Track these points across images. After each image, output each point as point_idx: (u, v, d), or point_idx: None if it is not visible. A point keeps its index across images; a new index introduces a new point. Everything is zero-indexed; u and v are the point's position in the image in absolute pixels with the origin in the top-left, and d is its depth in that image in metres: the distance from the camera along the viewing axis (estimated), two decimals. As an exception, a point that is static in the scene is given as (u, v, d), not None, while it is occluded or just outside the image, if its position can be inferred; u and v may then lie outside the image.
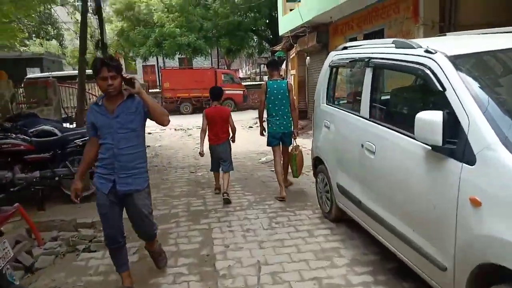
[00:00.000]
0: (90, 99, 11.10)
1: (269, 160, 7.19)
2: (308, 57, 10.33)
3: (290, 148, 5.03)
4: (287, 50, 13.60)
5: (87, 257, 3.40)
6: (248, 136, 8.83)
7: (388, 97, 3.21)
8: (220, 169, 4.96)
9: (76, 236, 3.74)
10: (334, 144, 3.65)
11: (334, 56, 3.85)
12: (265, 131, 5.04)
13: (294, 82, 10.04)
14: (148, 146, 9.69)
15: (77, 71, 16.08)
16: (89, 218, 4.22)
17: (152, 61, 27.78)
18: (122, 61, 9.85)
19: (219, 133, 4.85)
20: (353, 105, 3.48)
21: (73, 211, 4.44)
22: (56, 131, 5.24)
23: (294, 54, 10.05)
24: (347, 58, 3.50)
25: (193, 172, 6.44)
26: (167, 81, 17.69)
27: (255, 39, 22.87)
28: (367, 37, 8.40)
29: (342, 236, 3.64)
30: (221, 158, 4.90)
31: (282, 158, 4.97)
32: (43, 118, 6.30)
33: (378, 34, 7.82)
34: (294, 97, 4.86)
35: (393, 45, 2.74)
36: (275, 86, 4.74)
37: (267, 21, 20.28)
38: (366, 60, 3.01)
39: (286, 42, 12.93)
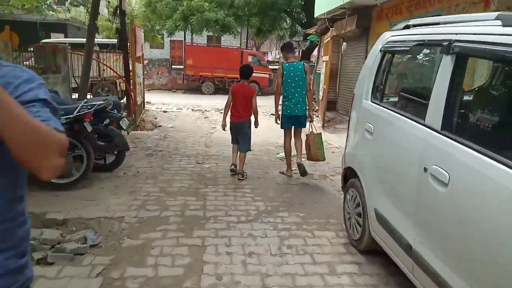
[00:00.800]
0: (103, 70, 10.43)
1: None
2: (344, 43, 9.19)
3: (307, 131, 4.92)
4: (321, 34, 12.41)
5: (37, 274, 2.64)
6: (268, 124, 7.91)
7: (475, 99, 2.20)
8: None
9: (37, 239, 2.99)
10: (377, 157, 2.70)
11: (389, 37, 2.84)
12: (279, 119, 4.97)
13: (326, 70, 8.97)
14: (160, 125, 8.96)
15: (101, 39, 15.47)
16: (62, 213, 3.48)
17: (180, 36, 27.05)
18: (141, 33, 9.04)
19: (241, 111, 4.84)
20: (414, 107, 2.49)
21: (47, 202, 3.72)
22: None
23: (329, 39, 8.95)
24: (410, 41, 2.49)
25: (199, 163, 5.62)
26: (190, 58, 16.83)
27: (288, 21, 21.57)
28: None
29: (374, 278, 2.73)
30: (238, 136, 4.94)
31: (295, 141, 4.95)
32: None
33: (433, 21, 6.62)
34: (311, 77, 5.11)
35: (498, 21, 1.75)
36: (292, 68, 4.68)
37: (303, 2, 18.96)
38: (445, 43, 2.02)
39: (321, 25, 11.75)
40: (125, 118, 4.91)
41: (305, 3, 19.16)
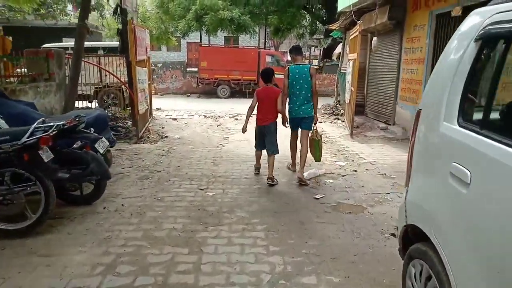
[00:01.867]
0: (106, 75, 9.57)
1: (317, 174, 5.15)
2: (375, 38, 7.93)
3: (310, 133, 4.98)
4: (346, 30, 11.16)
5: None
6: (288, 132, 6.81)
7: None
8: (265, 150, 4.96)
9: None
10: (479, 225, 1.51)
11: (488, 18, 1.66)
12: (287, 123, 5.03)
13: (353, 69, 7.76)
14: (166, 136, 7.98)
15: (112, 43, 14.71)
16: (-5, 284, 2.47)
17: (197, 38, 26.25)
18: (144, 34, 8.10)
19: (267, 114, 4.81)
20: None
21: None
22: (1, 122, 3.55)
23: (357, 33, 7.72)
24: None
25: (202, 189, 4.55)
26: (205, 60, 15.86)
27: (308, 18, 20.34)
28: (468, 10, 5.89)
29: None
30: (266, 139, 4.90)
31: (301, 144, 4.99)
32: (14, 100, 4.69)
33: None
34: (317, 82, 4.81)
35: None
36: (297, 70, 4.77)
37: (324, -3, 17.71)
38: None
39: (345, 20, 10.50)
40: (103, 139, 3.89)
41: (326, -2, 17.90)
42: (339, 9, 10.66)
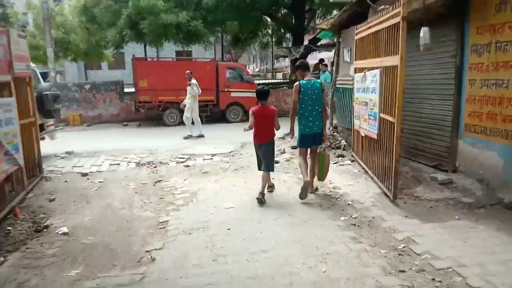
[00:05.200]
0: None
1: None
2: (425, 28, 4.42)
3: (318, 149, 4.91)
4: (340, 28, 7.83)
5: None
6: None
7: None
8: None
9: None
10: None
11: None
12: (293, 136, 5.09)
13: (392, 83, 4.35)
14: (46, 228, 3.93)
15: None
16: None
17: (143, 53, 22.06)
18: (9, 39, 4.06)
19: (265, 132, 4.74)
20: None
21: None
22: None
23: (399, 20, 4.16)
24: None
25: None
26: (144, 78, 11.87)
27: (272, 26, 17.18)
28: None
29: None
30: (262, 155, 4.83)
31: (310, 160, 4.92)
32: None
33: None
34: (328, 97, 4.71)
35: None
36: (309, 86, 4.64)
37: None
38: None
39: (344, 12, 7.17)
40: None
41: (294, 1, 14.78)
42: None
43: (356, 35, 6.33)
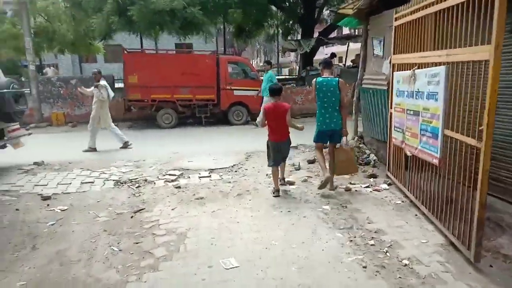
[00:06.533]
0: None
1: None
2: None
3: (338, 145, 4.89)
4: (369, 14, 6.36)
5: None
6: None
7: None
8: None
9: None
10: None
11: None
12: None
13: (470, 87, 2.95)
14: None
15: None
16: None
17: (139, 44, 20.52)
18: None
19: (279, 130, 4.73)
20: None
21: None
22: None
23: (458, 2, 2.86)
24: None
25: None
26: (134, 73, 10.41)
27: (280, 16, 15.64)
28: None
29: None
30: (282, 154, 4.88)
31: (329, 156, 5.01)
32: None
33: None
34: (347, 95, 4.57)
35: None
36: (325, 83, 4.68)
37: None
38: None
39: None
40: None
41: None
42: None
43: (396, 20, 4.90)
